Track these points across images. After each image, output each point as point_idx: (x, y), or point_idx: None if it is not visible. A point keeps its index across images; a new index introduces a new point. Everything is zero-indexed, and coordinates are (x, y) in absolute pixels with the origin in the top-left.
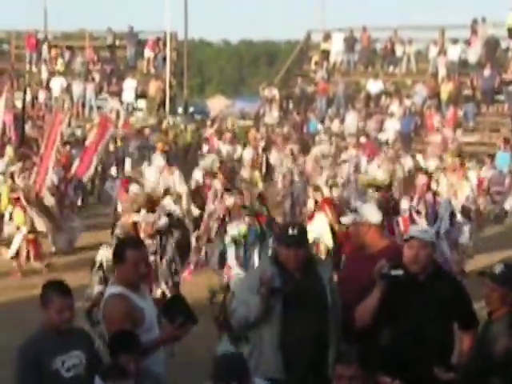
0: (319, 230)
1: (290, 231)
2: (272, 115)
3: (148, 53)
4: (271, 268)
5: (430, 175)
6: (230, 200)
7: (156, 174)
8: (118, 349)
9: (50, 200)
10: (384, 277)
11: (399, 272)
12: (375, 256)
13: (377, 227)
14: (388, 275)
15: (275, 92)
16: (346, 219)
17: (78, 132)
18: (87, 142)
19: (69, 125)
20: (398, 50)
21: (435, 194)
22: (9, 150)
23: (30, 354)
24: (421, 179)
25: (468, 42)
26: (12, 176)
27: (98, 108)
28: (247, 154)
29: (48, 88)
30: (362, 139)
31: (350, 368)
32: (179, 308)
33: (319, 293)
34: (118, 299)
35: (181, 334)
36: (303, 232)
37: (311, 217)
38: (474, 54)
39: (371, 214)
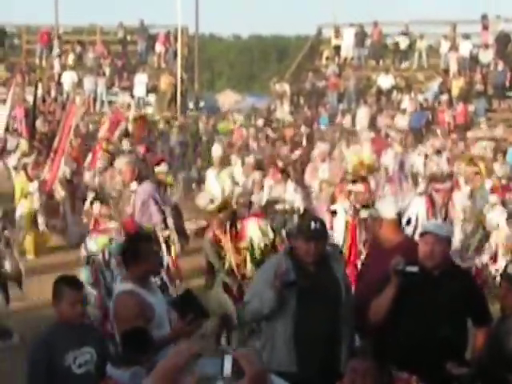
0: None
1: (313, 225)
2: (283, 110)
3: (159, 47)
4: (286, 261)
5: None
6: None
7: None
8: (131, 346)
9: (60, 192)
10: (399, 273)
11: (414, 268)
12: (389, 251)
13: (391, 222)
14: (403, 271)
15: (286, 87)
16: (363, 213)
17: (90, 126)
18: (99, 135)
19: (82, 118)
20: (407, 45)
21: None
22: (22, 143)
23: (43, 349)
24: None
25: (483, 45)
26: (25, 168)
27: (109, 102)
28: (216, 150)
29: (59, 83)
30: (372, 134)
31: (365, 363)
32: (191, 303)
33: (333, 287)
34: (129, 296)
35: (192, 330)
36: (323, 226)
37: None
38: (487, 54)
39: (385, 209)
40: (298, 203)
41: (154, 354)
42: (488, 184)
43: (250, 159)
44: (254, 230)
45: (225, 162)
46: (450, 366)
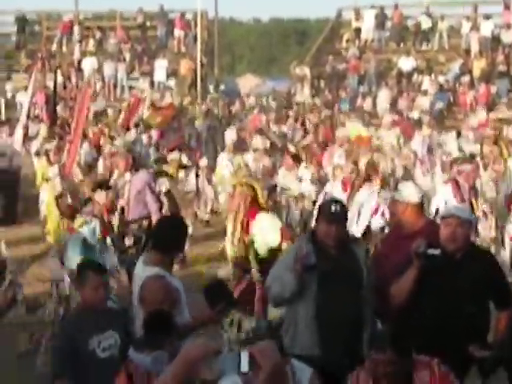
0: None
1: (333, 208)
2: (303, 94)
3: (177, 32)
4: (307, 245)
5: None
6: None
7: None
8: (154, 330)
9: (78, 176)
10: (421, 255)
11: (436, 251)
12: (412, 235)
13: (414, 206)
14: (425, 254)
15: (306, 70)
16: (384, 195)
17: (110, 111)
18: (119, 121)
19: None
20: (428, 26)
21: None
22: (42, 129)
23: (68, 334)
24: (473, 168)
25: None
26: (47, 154)
27: (130, 88)
28: (230, 135)
29: (79, 69)
30: (395, 117)
31: (385, 353)
32: (221, 293)
33: (355, 271)
34: (157, 280)
35: (219, 319)
36: (344, 209)
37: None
38: (509, 34)
39: (410, 192)
40: (309, 190)
41: (178, 339)
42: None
43: (261, 144)
44: (263, 228)
45: (241, 146)
46: (472, 348)
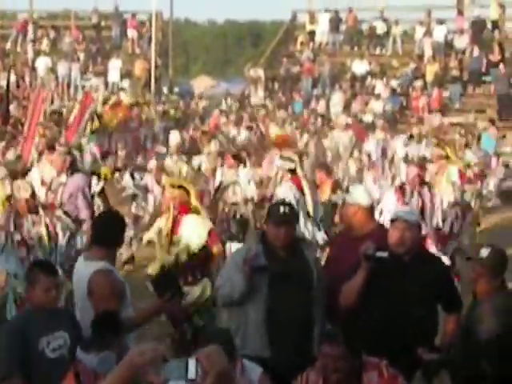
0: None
1: (282, 209)
2: (257, 96)
3: (131, 32)
4: (257, 246)
5: (422, 165)
6: None
7: None
8: (101, 330)
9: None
10: (369, 258)
11: (384, 253)
12: (361, 239)
13: (365, 209)
14: (373, 256)
15: (260, 72)
16: (336, 198)
17: (64, 110)
18: (70, 119)
19: (51, 102)
20: (382, 31)
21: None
22: None
23: (17, 334)
24: (411, 170)
25: (458, 30)
26: None
27: (83, 88)
28: (174, 138)
29: (33, 68)
30: (348, 120)
31: (336, 347)
32: (169, 282)
33: (305, 272)
34: (104, 274)
35: (167, 309)
36: (293, 211)
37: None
38: (462, 40)
39: (360, 195)
40: (251, 191)
41: (126, 333)
42: (454, 169)
43: (213, 147)
44: (189, 230)
45: (193, 148)
46: (421, 351)
